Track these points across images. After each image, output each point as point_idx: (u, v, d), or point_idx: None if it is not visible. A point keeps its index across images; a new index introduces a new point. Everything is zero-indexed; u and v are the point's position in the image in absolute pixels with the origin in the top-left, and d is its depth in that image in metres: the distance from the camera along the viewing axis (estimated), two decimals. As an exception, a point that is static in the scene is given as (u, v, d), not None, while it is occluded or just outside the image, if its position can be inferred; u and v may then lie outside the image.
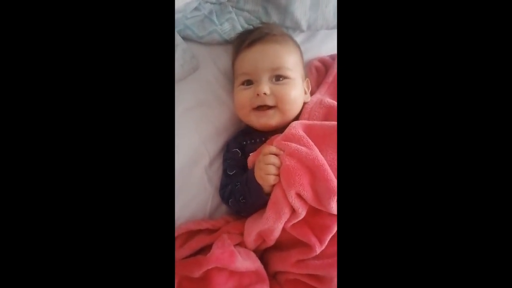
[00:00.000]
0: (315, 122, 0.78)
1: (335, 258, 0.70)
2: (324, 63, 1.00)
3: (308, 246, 0.72)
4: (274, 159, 0.72)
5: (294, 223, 0.72)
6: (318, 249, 0.70)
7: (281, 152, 0.72)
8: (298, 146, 0.70)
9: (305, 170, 0.68)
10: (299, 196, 0.69)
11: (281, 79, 0.83)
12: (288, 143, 0.72)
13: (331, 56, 1.01)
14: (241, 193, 0.79)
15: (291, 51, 0.88)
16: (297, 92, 0.85)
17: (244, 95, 0.84)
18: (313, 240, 0.70)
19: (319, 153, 0.70)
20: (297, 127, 0.75)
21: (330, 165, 0.68)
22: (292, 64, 0.85)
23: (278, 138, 0.76)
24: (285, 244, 0.77)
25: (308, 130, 0.75)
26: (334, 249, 0.71)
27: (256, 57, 0.84)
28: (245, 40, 0.86)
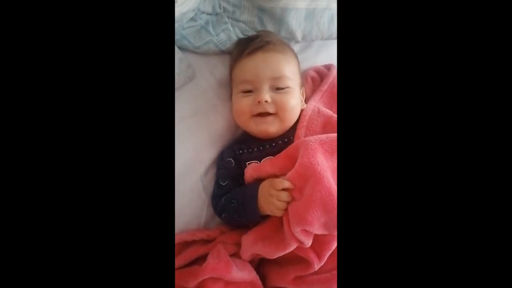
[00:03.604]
0: (322, 136, 0.75)
1: (334, 272, 0.70)
2: (319, 73, 1.00)
3: (306, 262, 0.71)
4: (286, 197, 0.70)
5: None
6: (317, 266, 0.70)
7: (292, 187, 0.70)
8: (307, 178, 0.68)
9: (312, 205, 0.66)
10: (305, 230, 0.67)
11: (281, 88, 0.84)
12: (297, 177, 0.70)
13: (326, 66, 1.02)
14: (236, 211, 0.79)
15: (290, 61, 0.89)
16: (295, 101, 0.86)
17: (244, 102, 0.84)
18: (312, 256, 0.70)
19: (329, 181, 0.67)
20: (308, 155, 0.70)
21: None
22: (291, 73, 0.87)
23: (290, 172, 0.72)
24: (283, 258, 0.75)
25: (320, 145, 0.73)
26: (333, 263, 0.71)
27: (258, 65, 0.85)
28: (246, 48, 0.87)
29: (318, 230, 0.67)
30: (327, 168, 0.69)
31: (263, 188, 0.75)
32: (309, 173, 0.68)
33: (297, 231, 0.67)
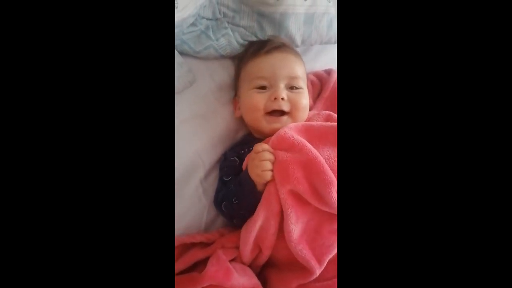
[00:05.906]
0: (311, 123, 0.78)
1: (335, 280, 0.70)
2: (320, 78, 1.01)
3: (308, 269, 0.71)
4: (268, 155, 0.72)
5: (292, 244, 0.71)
6: (318, 271, 0.70)
7: (272, 150, 0.73)
8: (290, 144, 0.71)
9: (300, 164, 0.67)
10: (292, 194, 0.67)
11: (294, 88, 0.87)
12: (280, 142, 0.72)
13: (326, 71, 1.02)
14: (234, 194, 0.79)
15: (302, 64, 0.93)
16: (307, 102, 0.88)
17: (259, 98, 0.85)
18: (312, 263, 0.70)
19: (312, 148, 0.69)
20: (286, 128, 0.74)
21: (326, 161, 0.68)
22: (303, 75, 0.90)
23: (271, 139, 0.76)
24: (284, 263, 0.76)
25: (305, 131, 0.75)
26: (334, 271, 0.71)
27: (276, 63, 0.87)
28: (262, 48, 0.89)
29: (308, 192, 0.66)
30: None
31: (250, 158, 0.76)
32: (285, 139, 0.70)
33: (284, 192, 0.66)
